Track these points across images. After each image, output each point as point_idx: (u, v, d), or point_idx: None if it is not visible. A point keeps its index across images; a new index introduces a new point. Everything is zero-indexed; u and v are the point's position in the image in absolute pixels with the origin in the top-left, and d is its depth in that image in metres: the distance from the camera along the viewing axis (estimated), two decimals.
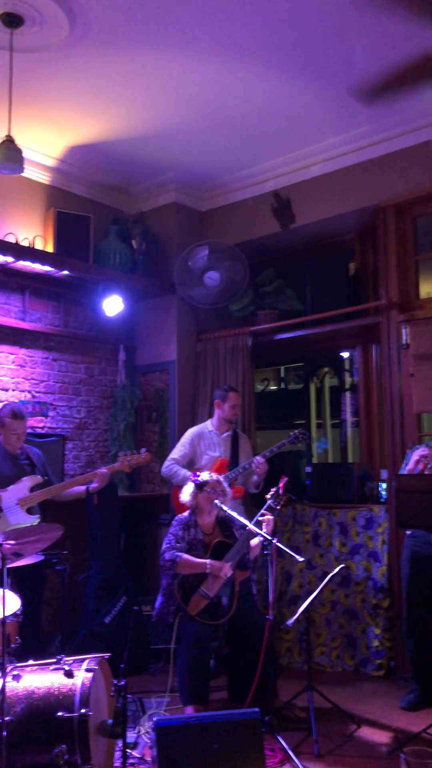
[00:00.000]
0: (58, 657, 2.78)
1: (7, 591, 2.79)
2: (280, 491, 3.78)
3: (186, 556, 3.70)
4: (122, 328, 5.59)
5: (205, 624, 3.60)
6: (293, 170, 5.09)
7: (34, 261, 4.68)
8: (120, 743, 2.73)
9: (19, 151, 3.64)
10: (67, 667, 2.69)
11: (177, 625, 3.68)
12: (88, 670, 2.69)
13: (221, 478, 3.92)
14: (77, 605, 4.74)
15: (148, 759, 3.08)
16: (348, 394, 6.20)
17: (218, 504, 3.73)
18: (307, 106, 4.32)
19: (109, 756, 2.83)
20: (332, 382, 6.80)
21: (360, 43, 3.66)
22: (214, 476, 3.88)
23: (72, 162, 5.09)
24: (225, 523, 3.93)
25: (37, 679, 2.67)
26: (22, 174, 3.95)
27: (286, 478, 3.89)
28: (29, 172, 4.86)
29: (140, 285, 5.29)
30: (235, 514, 3.69)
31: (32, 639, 3.82)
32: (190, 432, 4.79)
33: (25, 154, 3.71)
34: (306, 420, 6.86)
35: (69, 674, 2.66)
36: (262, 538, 3.51)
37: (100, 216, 5.35)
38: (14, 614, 2.96)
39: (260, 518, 3.67)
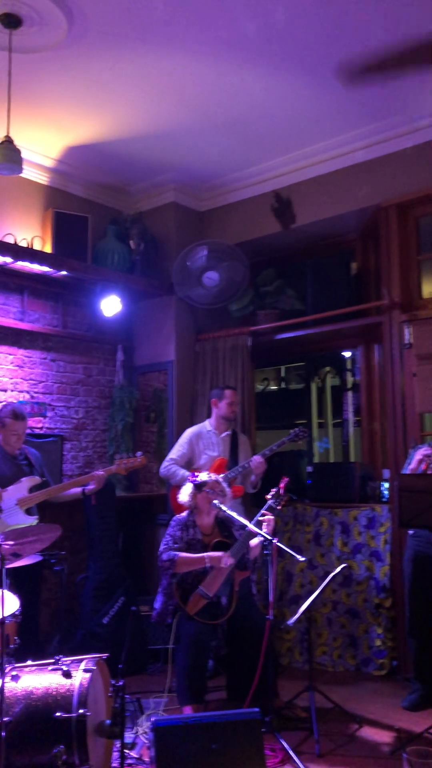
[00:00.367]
0: (57, 657, 2.77)
1: (5, 591, 2.78)
2: (281, 491, 3.77)
3: (183, 553, 3.68)
4: (120, 329, 5.58)
5: (203, 623, 3.58)
6: (294, 170, 5.08)
7: (32, 261, 4.68)
8: (118, 743, 2.72)
9: (18, 152, 3.63)
10: (65, 668, 2.69)
11: (175, 624, 3.66)
12: (86, 671, 2.69)
13: (220, 478, 3.90)
14: (75, 605, 4.72)
15: (146, 759, 3.07)
16: (350, 394, 6.19)
17: (217, 504, 3.71)
18: (308, 105, 4.30)
19: (107, 756, 2.82)
20: (334, 381, 6.80)
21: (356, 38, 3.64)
22: (213, 476, 3.86)
23: (70, 162, 5.08)
24: (224, 523, 3.91)
25: (35, 679, 2.67)
26: (21, 174, 3.94)
27: (287, 479, 3.88)
28: (28, 173, 4.86)
29: (138, 285, 5.28)
30: (234, 514, 3.67)
31: (31, 639, 3.81)
32: (189, 432, 4.78)
33: (23, 155, 3.70)
34: (307, 419, 6.85)
35: (67, 675, 2.66)
36: (262, 538, 3.49)
37: (99, 216, 5.34)
38: (13, 615, 2.95)
39: (260, 518, 3.66)
